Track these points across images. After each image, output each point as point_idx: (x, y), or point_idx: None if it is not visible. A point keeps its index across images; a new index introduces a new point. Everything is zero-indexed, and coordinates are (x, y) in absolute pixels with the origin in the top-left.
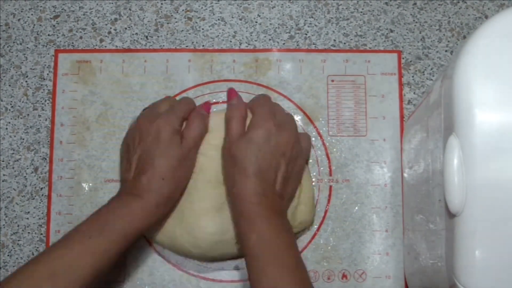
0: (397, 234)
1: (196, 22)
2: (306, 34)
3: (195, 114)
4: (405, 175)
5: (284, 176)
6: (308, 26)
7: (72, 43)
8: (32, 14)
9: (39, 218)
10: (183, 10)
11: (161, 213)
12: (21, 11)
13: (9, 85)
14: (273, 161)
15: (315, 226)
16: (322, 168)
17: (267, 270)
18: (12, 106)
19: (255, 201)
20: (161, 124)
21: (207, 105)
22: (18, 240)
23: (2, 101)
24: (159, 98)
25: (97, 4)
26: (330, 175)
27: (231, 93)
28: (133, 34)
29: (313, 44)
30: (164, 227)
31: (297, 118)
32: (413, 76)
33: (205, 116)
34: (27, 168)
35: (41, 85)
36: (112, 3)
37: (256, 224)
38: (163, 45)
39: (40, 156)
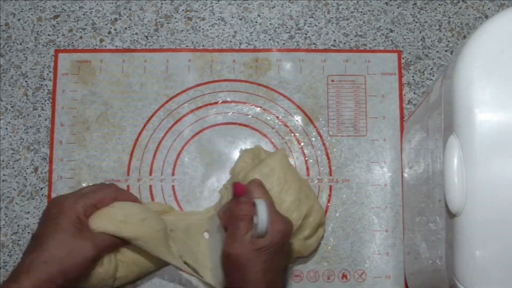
0: (397, 234)
1: (196, 22)
2: (306, 34)
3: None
4: (405, 175)
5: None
6: (308, 26)
7: (72, 43)
8: (32, 14)
9: (39, 218)
10: (183, 10)
11: None
12: (21, 11)
13: (9, 85)
14: (281, 266)
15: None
16: (322, 168)
17: None
18: (12, 106)
19: None
20: (65, 206)
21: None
22: (18, 240)
23: (2, 101)
24: (159, 98)
25: (97, 4)
26: (330, 175)
27: (238, 188)
28: (133, 34)
29: (313, 44)
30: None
31: (297, 118)
32: (413, 76)
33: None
34: (27, 168)
35: (41, 85)
36: (112, 3)
37: None
38: (163, 45)
39: (40, 156)
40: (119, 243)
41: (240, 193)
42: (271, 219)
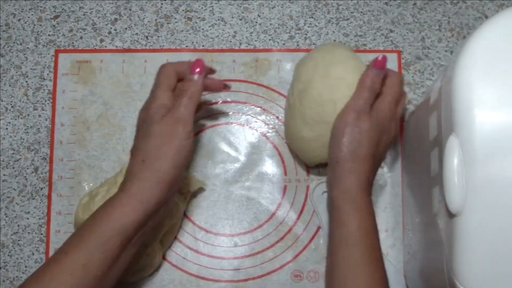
0: (397, 234)
1: (196, 22)
2: (306, 34)
3: (185, 87)
4: (405, 175)
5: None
6: (308, 26)
7: (72, 43)
8: (32, 14)
9: (39, 218)
10: (183, 10)
11: (152, 200)
12: (21, 11)
13: (9, 85)
14: (384, 146)
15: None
16: (322, 168)
17: (365, 262)
18: (12, 106)
19: (365, 187)
20: (142, 110)
21: (199, 65)
22: (18, 240)
23: (2, 101)
24: None
25: (97, 4)
26: None
27: (381, 61)
28: (133, 34)
29: (313, 44)
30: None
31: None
32: (413, 76)
33: (196, 85)
34: (27, 168)
35: (41, 85)
36: (112, 3)
37: (361, 210)
38: (163, 45)
39: (40, 156)
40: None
41: (382, 66)
42: None
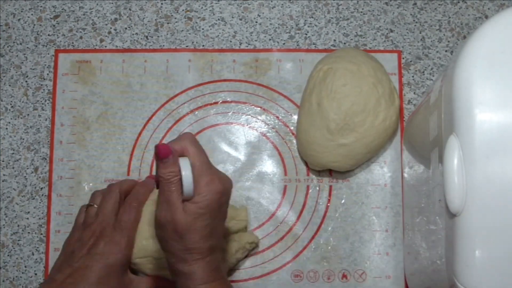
0: (397, 234)
1: (196, 22)
2: (306, 34)
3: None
4: (405, 175)
5: (223, 233)
6: (308, 26)
7: (72, 43)
8: (32, 14)
9: (39, 218)
10: (183, 10)
11: None
12: (21, 11)
13: (9, 85)
14: (220, 227)
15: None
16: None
17: None
18: (12, 106)
19: (209, 280)
20: (111, 247)
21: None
22: (18, 240)
23: (2, 101)
24: (159, 98)
25: (97, 4)
26: (330, 175)
27: (163, 149)
28: (133, 34)
29: (313, 44)
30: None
31: (297, 118)
32: (413, 76)
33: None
34: (27, 168)
35: (41, 85)
36: (112, 3)
37: None
38: (163, 45)
39: (40, 156)
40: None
41: (164, 155)
42: (204, 178)
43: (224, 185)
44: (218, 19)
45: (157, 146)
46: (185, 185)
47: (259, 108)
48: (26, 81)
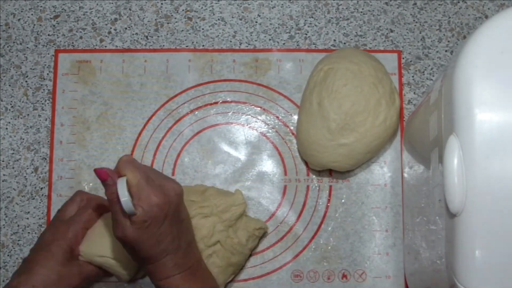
0: (397, 234)
1: (196, 22)
2: (306, 34)
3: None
4: (405, 175)
5: (183, 236)
6: (308, 26)
7: (72, 43)
8: (32, 14)
9: (39, 218)
10: (183, 10)
11: None
12: (21, 11)
13: (9, 85)
14: (173, 233)
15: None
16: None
17: None
18: (12, 106)
19: (168, 276)
20: (58, 235)
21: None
22: (18, 240)
23: (2, 101)
24: (159, 98)
25: (97, 4)
26: (330, 175)
27: (100, 172)
28: (133, 34)
29: (313, 44)
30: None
31: (298, 118)
32: (413, 76)
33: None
34: (27, 168)
35: (41, 85)
36: (112, 3)
37: None
38: (163, 45)
39: (40, 156)
40: (103, 273)
41: (104, 178)
42: (142, 193)
43: (166, 195)
44: (218, 19)
45: (95, 170)
46: (122, 203)
47: (259, 108)
48: (26, 81)
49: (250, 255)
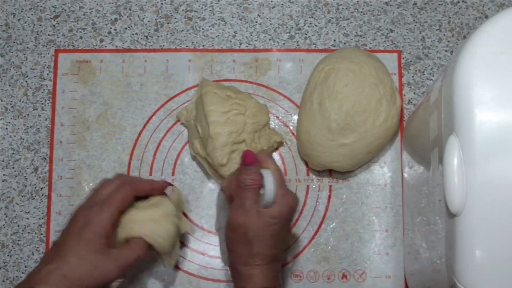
0: (397, 234)
1: (196, 22)
2: (306, 34)
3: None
4: (405, 175)
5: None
6: (308, 26)
7: (72, 43)
8: (32, 14)
9: (39, 218)
10: (183, 10)
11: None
12: (21, 11)
13: (9, 85)
14: (285, 239)
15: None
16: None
17: None
18: (12, 106)
19: (266, 286)
20: (92, 217)
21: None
22: (18, 240)
23: (2, 101)
24: (159, 98)
25: (97, 4)
26: (330, 175)
27: (249, 156)
28: (133, 34)
29: (313, 44)
30: None
31: (297, 118)
32: (413, 76)
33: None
34: (27, 168)
35: (41, 85)
36: (112, 3)
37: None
38: (163, 45)
39: (40, 156)
40: (142, 258)
41: (251, 162)
42: (280, 191)
43: (295, 200)
44: (218, 19)
45: (245, 152)
46: (268, 195)
47: None
48: (26, 81)
49: None
